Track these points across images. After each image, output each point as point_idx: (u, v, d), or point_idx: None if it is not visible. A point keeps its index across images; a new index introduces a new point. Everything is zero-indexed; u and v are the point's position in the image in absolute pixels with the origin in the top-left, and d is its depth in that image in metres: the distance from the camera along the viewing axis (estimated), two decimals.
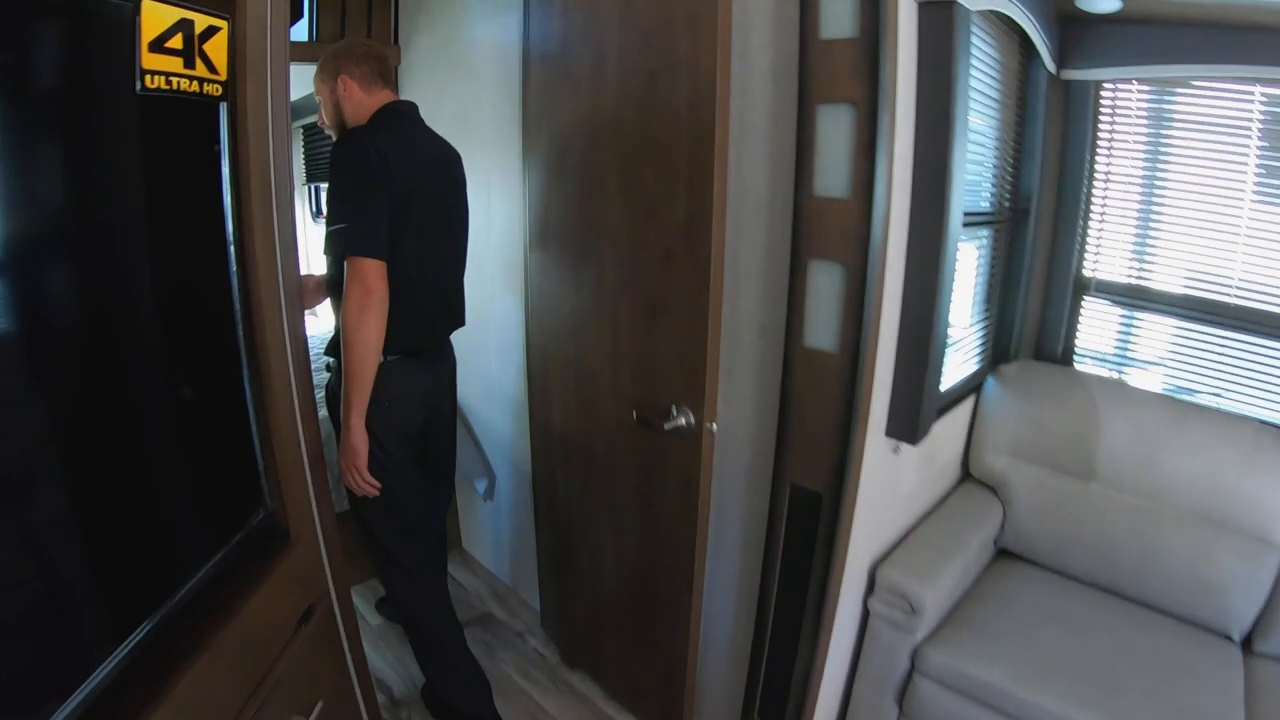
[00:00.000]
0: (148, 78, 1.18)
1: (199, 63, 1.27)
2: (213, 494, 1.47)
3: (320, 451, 1.83)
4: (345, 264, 1.90)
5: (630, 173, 1.92)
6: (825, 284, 1.74)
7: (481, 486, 2.98)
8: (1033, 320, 2.84)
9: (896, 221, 1.74)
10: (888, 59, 1.67)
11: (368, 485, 2.03)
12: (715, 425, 1.89)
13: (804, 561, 1.99)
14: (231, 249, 1.37)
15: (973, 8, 1.92)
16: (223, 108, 1.33)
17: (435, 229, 2.10)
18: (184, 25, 1.23)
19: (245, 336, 1.44)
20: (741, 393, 1.95)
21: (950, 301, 1.92)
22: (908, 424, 1.93)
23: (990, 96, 2.37)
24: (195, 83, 1.26)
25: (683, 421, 1.90)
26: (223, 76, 1.32)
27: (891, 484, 2.11)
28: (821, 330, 1.76)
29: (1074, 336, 2.85)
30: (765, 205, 1.82)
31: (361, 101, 2.10)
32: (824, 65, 1.71)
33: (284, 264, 1.68)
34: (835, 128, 1.70)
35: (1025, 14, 2.38)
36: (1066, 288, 2.79)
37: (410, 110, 2.18)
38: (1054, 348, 2.83)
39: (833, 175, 1.70)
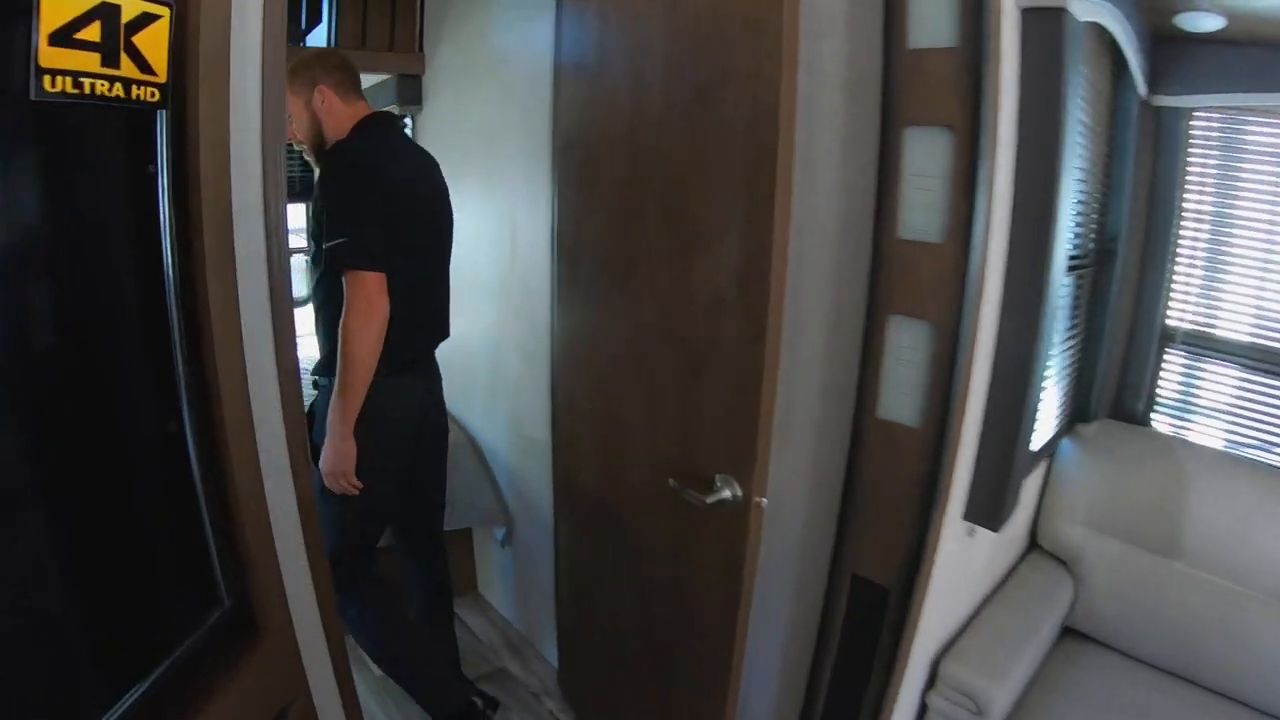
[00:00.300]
0: (48, 79, 0.85)
1: (125, 60, 0.93)
2: (149, 599, 1.13)
3: (312, 501, 1.53)
4: (346, 278, 1.78)
5: (675, 202, 1.56)
6: (907, 345, 1.37)
7: (500, 534, 2.64)
8: (1111, 375, 2.42)
9: (993, 271, 1.38)
10: (993, 73, 1.31)
11: (350, 487, 1.90)
12: (765, 501, 1.53)
13: (863, 658, 1.62)
14: (171, 294, 1.03)
15: (1081, 18, 1.55)
16: (162, 118, 0.99)
17: (426, 241, 2.00)
18: (104, 11, 0.89)
19: (193, 409, 1.09)
20: (797, 465, 1.58)
21: (1047, 365, 1.55)
22: (991, 508, 1.55)
23: (1082, 123, 1.98)
24: (119, 85, 0.92)
25: (727, 494, 1.54)
26: (161, 78, 0.97)
27: (963, 570, 1.74)
28: (900, 400, 1.40)
29: (1156, 394, 2.44)
30: (835, 246, 1.45)
31: (342, 113, 1.93)
32: (914, 80, 1.35)
33: (275, 311, 1.37)
34: (927, 156, 1.33)
35: (1126, 29, 2.00)
36: (1151, 339, 2.38)
37: (392, 120, 2.07)
38: (1134, 406, 2.43)
39: (923, 214, 1.33)
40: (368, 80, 2.94)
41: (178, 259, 1.03)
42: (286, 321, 1.52)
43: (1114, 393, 2.43)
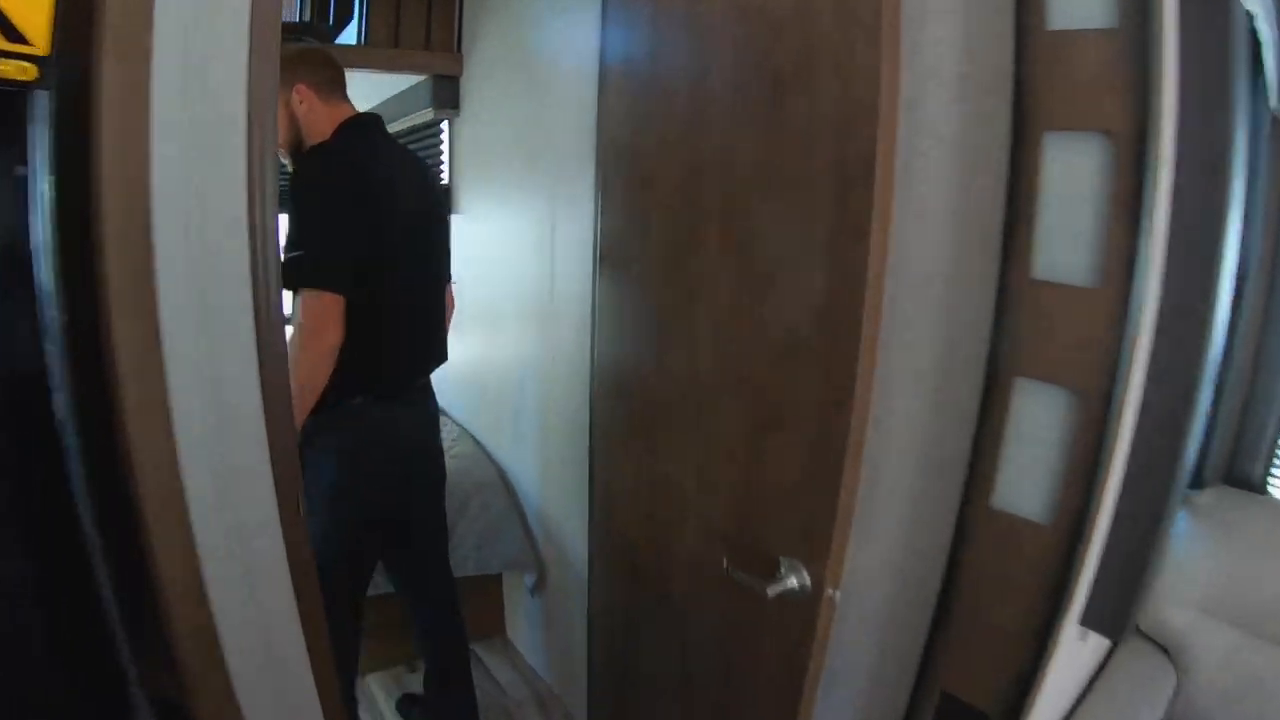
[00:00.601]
0: None
1: None
2: None
3: (308, 563, 1.25)
4: (297, 296, 1.52)
5: (742, 220, 1.21)
6: (1039, 417, 1.01)
7: (530, 581, 2.32)
8: (1229, 435, 1.99)
9: (1148, 323, 1.01)
10: (1157, 64, 0.95)
11: None
12: (839, 594, 1.18)
13: None
14: (51, 335, 0.72)
15: (1245, 4, 1.18)
16: (40, 102, 0.68)
17: (412, 255, 1.72)
18: None
19: (94, 493, 0.78)
20: (884, 554, 1.22)
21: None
22: (1118, 616, 1.19)
23: None
24: None
25: (793, 583, 1.19)
26: (40, 49, 0.67)
27: (1070, 677, 1.36)
28: (1024, 487, 1.04)
29: (1277, 455, 2.00)
30: (945, 286, 1.09)
31: (322, 115, 1.67)
32: (1056, 71, 0.99)
33: (261, 340, 1.11)
34: (1074, 171, 0.97)
35: (1272, 25, 1.61)
36: (1275, 393, 1.95)
37: (376, 122, 1.78)
38: (1250, 470, 1.99)
39: (1068, 248, 0.97)
40: (401, 83, 2.64)
41: (64, 288, 0.71)
42: (276, 351, 1.23)
43: (1227, 454, 2.00)
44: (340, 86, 1.73)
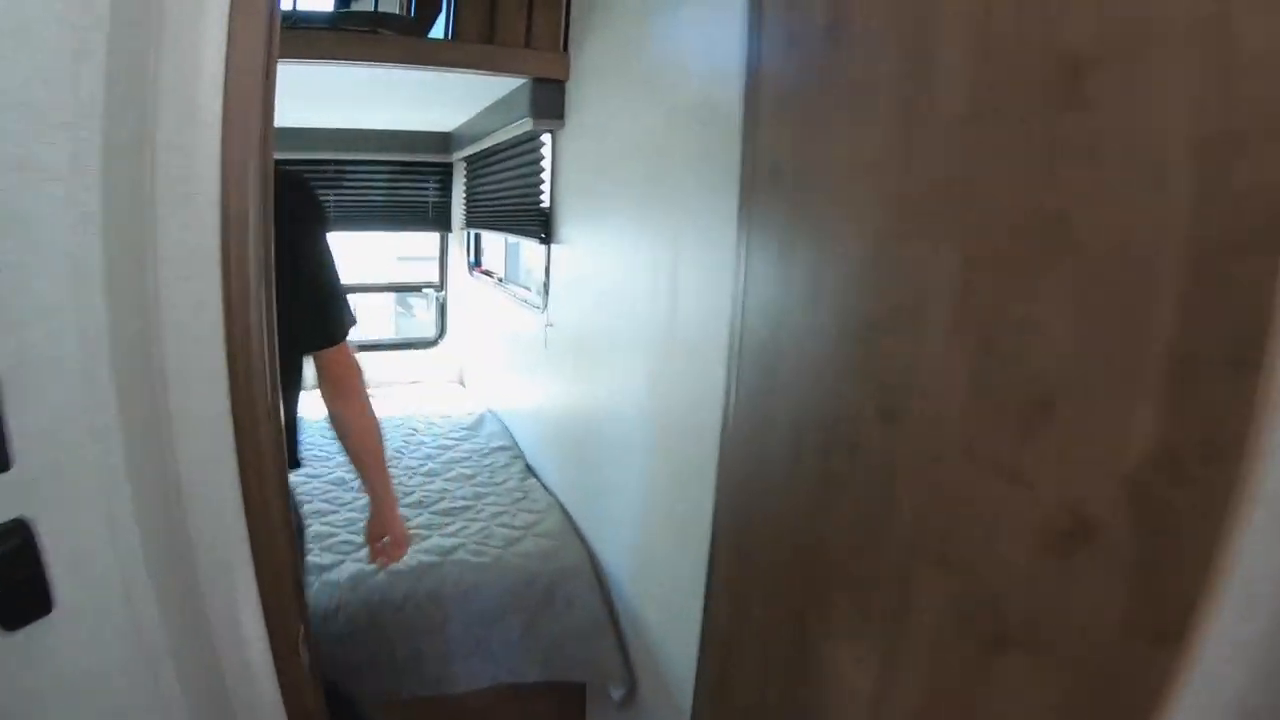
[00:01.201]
0: None
1: None
2: None
3: None
4: None
5: (993, 308, 0.76)
6: None
7: (618, 694, 1.92)
8: None
9: None
10: None
11: None
12: None
13: None
14: None
15: None
16: None
17: None
18: None
19: None
20: None
21: None
22: None
23: None
24: None
25: None
26: None
27: None
28: None
29: None
30: None
31: None
32: None
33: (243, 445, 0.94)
34: None
35: None
36: None
37: None
38: None
39: None
40: (496, 89, 2.27)
41: None
42: (264, 447, 0.92)
43: None
44: None
